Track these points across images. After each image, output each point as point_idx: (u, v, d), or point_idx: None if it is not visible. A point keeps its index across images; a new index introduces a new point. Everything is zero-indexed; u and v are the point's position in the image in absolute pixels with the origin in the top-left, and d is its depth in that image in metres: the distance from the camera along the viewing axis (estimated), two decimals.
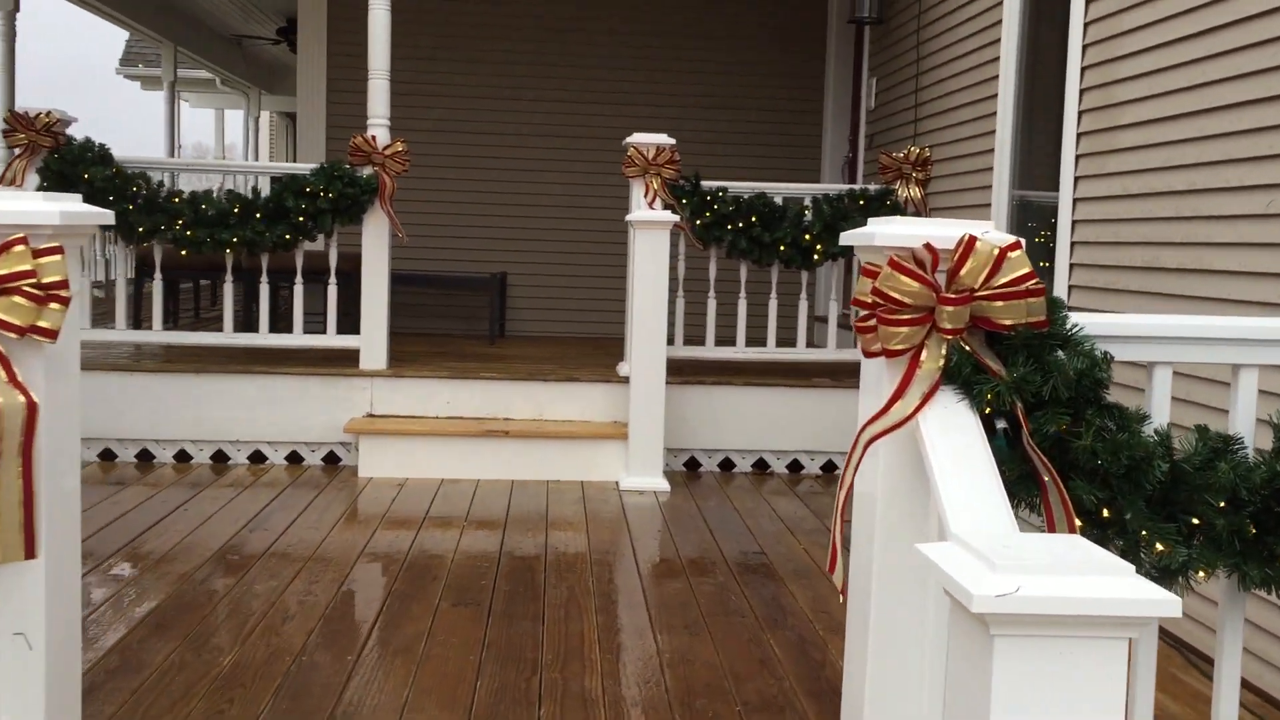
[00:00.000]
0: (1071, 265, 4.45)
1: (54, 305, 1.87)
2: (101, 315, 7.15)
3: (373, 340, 6.04)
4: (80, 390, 2.11)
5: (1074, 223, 4.43)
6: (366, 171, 5.92)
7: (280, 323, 6.49)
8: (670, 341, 6.02)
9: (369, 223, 5.99)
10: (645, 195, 5.90)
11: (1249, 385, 2.07)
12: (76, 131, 5.87)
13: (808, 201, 6.19)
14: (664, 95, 8.35)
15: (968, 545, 1.53)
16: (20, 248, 1.86)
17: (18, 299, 1.84)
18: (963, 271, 1.90)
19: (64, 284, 1.89)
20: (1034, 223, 5.00)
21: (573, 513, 5.23)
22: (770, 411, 6.18)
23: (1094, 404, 1.93)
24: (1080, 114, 4.40)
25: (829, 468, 6.31)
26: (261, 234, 5.80)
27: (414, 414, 6.05)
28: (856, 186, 6.16)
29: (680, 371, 6.24)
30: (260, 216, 5.81)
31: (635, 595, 4.07)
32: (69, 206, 1.95)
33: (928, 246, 1.92)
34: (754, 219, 6.05)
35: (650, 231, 5.69)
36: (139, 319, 7.14)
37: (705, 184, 6.11)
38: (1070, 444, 1.91)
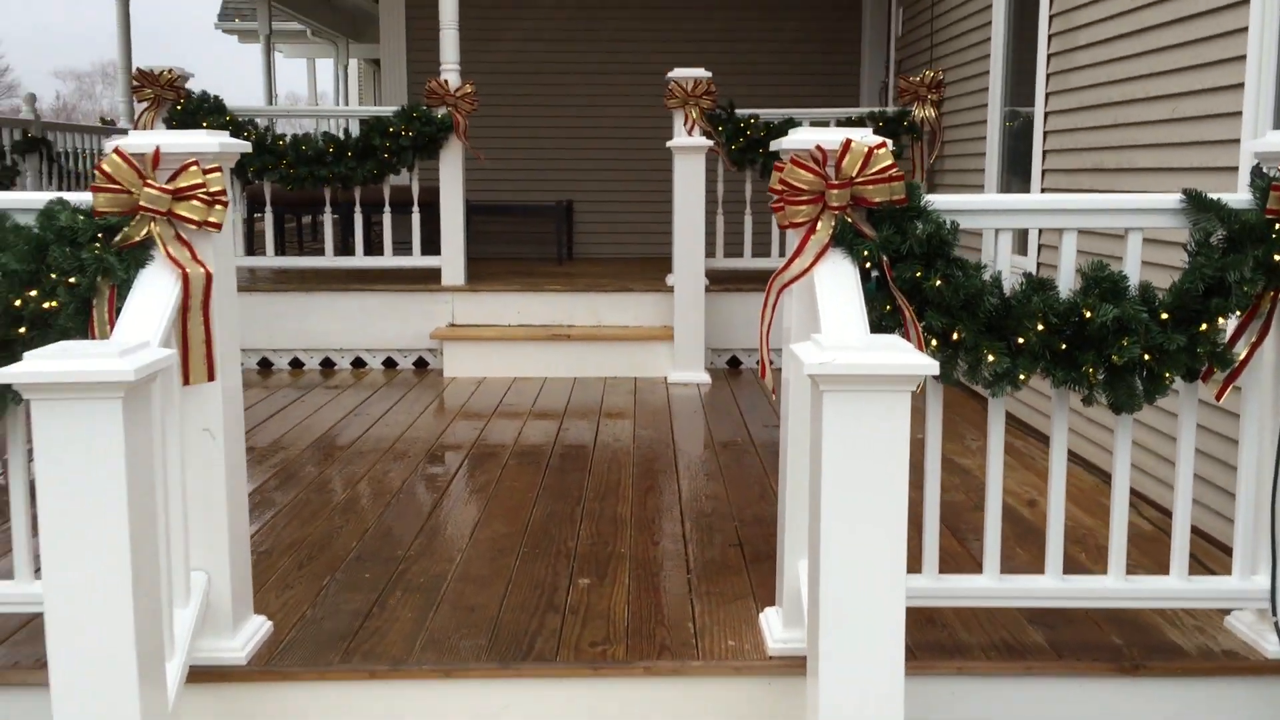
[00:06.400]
0: (1044, 171, 5.12)
1: (218, 206, 2.74)
2: None
3: (452, 259, 6.95)
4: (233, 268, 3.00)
5: (1045, 133, 5.10)
6: (441, 112, 6.78)
7: (373, 247, 7.42)
8: (711, 254, 6.80)
9: (445, 157, 6.87)
10: (685, 124, 6.66)
11: (1069, 244, 2.81)
12: (192, 85, 6.84)
13: (832, 124, 6.88)
14: (709, 31, 9.04)
15: (818, 341, 2.33)
16: (194, 168, 2.73)
17: (194, 202, 2.71)
18: (844, 164, 2.67)
19: (223, 192, 2.77)
20: (1020, 132, 5.65)
21: (624, 403, 6.09)
22: None
23: (943, 258, 2.70)
24: (1050, 37, 5.04)
25: None
26: (353, 170, 6.71)
27: (490, 323, 6.95)
28: (876, 109, 6.82)
29: (724, 281, 7.02)
30: (351, 155, 6.71)
31: (668, 459, 4.93)
32: (223, 139, 2.81)
33: (818, 148, 2.69)
34: None
35: (688, 156, 6.46)
36: (251, 248, 8.14)
37: (739, 112, 6.84)
38: (923, 286, 2.69)
